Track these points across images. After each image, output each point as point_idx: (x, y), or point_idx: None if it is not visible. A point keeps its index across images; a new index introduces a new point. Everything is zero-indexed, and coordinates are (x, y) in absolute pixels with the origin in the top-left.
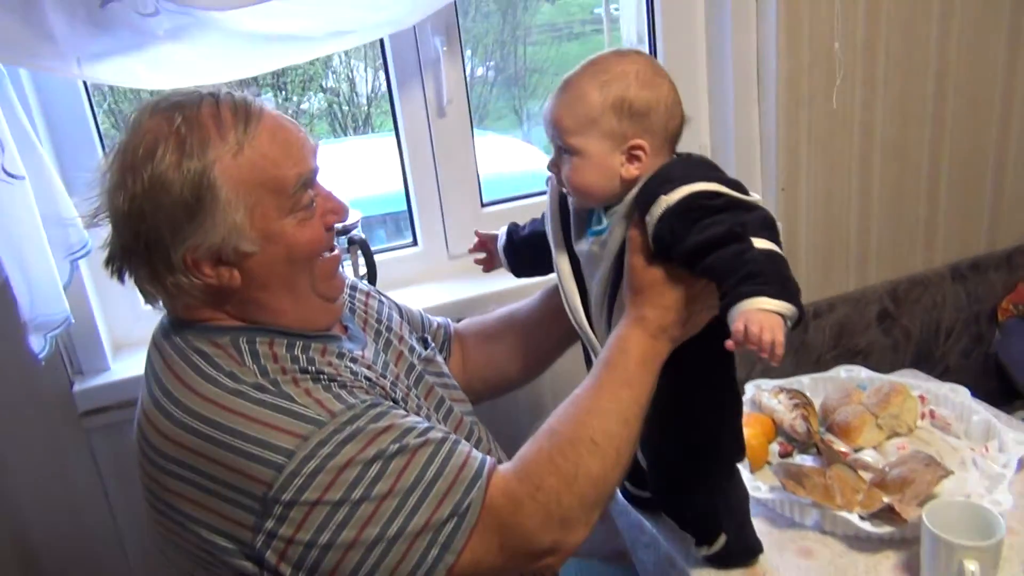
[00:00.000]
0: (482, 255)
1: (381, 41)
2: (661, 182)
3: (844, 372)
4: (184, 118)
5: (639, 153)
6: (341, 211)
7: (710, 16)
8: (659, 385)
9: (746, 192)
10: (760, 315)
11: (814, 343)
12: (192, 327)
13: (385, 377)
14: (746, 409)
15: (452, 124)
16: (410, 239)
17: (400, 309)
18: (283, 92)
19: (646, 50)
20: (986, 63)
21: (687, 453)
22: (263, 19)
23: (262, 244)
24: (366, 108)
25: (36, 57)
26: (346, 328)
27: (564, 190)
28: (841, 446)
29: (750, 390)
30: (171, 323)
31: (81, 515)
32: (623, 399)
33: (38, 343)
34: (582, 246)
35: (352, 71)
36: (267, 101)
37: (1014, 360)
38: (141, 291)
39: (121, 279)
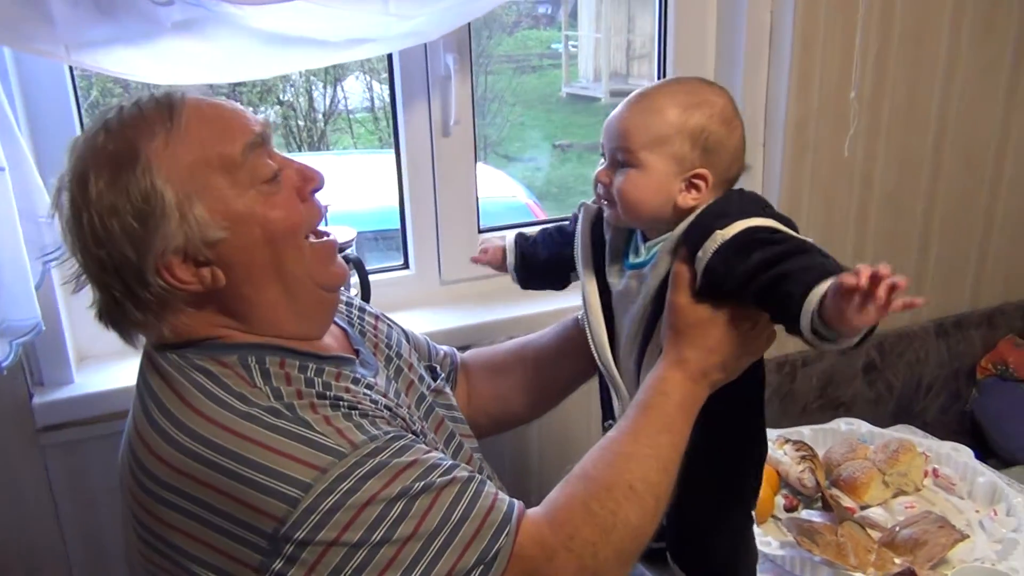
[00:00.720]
0: (485, 256)
1: (389, 54)
2: (715, 216)
3: (844, 424)
4: (107, 133)
5: (700, 183)
6: (316, 177)
7: (720, 56)
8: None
9: (797, 230)
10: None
11: (800, 391)
12: (192, 345)
13: (401, 407)
14: None
15: (456, 145)
16: (400, 261)
17: (407, 335)
18: (238, 102)
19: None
20: (982, 124)
21: (712, 502)
22: (281, 19)
23: (231, 228)
24: (322, 125)
25: (32, 40)
26: (357, 352)
27: (604, 205)
28: (847, 502)
29: None
30: (164, 345)
31: (28, 534)
32: (662, 445)
33: (2, 350)
34: (616, 279)
35: (311, 87)
36: (190, 89)
37: (990, 418)
38: (124, 334)
39: (121, 333)
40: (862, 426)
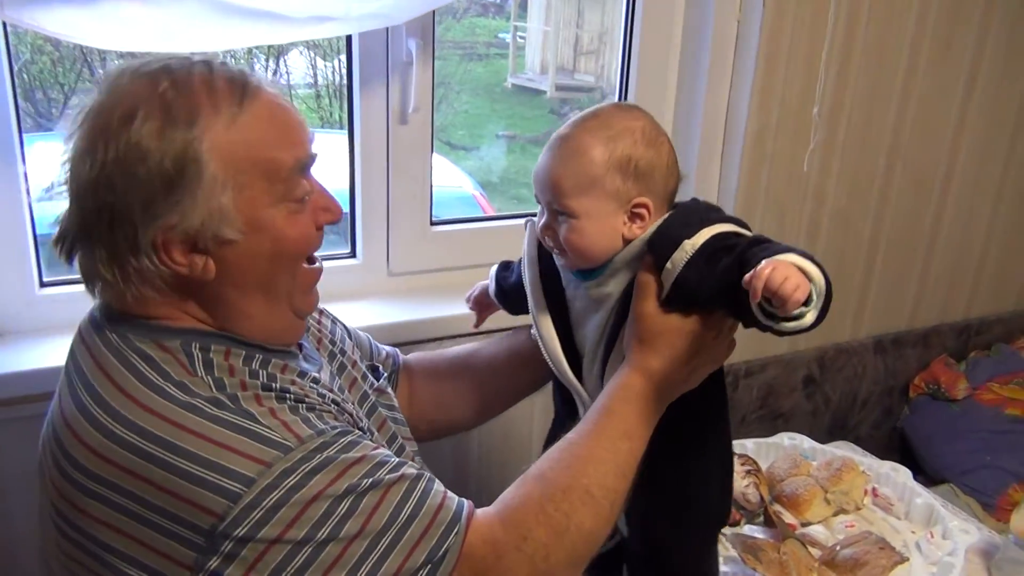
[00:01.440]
0: (482, 313)
1: (349, 35)
2: (681, 226)
3: (787, 439)
4: (172, 82)
5: (642, 212)
6: (336, 211)
7: (684, 62)
8: (651, 440)
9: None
10: (787, 265)
11: (742, 402)
12: (133, 323)
13: (347, 402)
14: None
15: (413, 134)
16: (347, 249)
17: (349, 332)
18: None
19: (609, 92)
20: (933, 146)
21: (676, 519)
22: None
23: (246, 233)
24: None
25: None
26: (300, 346)
27: (556, 255)
28: (789, 518)
29: None
30: (105, 315)
31: None
32: (621, 451)
33: None
34: (574, 291)
35: (252, 59)
36: (266, 78)
37: (919, 436)
38: (88, 275)
39: (70, 260)
40: (804, 441)
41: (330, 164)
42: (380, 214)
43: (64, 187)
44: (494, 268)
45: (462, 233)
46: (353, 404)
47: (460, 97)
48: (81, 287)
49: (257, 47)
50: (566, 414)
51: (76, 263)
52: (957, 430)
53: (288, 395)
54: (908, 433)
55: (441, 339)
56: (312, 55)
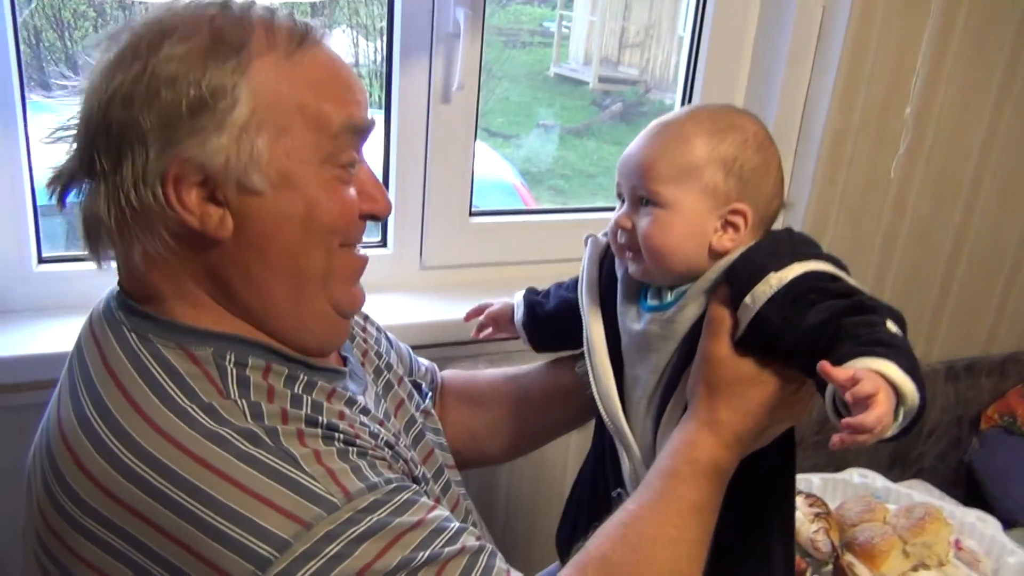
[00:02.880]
0: (488, 329)
1: (391, 2)
2: (768, 255)
3: (857, 476)
4: (224, 10)
5: (738, 221)
6: (383, 204)
7: (759, 52)
8: None
9: (850, 274)
10: (878, 378)
11: (798, 425)
12: (156, 320)
13: (400, 443)
14: None
15: (456, 114)
16: (378, 238)
17: (391, 341)
18: None
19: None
20: None
21: None
22: None
23: (276, 187)
24: None
25: None
26: (345, 360)
27: (628, 259)
28: (862, 571)
29: None
30: (122, 304)
31: None
32: (692, 526)
33: None
34: (632, 322)
35: None
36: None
37: (990, 472)
38: (87, 221)
39: (62, 200)
40: (877, 480)
41: (366, 146)
42: (415, 201)
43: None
44: (520, 294)
45: (503, 226)
46: (397, 432)
47: (501, 84)
48: (83, 265)
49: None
50: (607, 463)
51: (75, 208)
52: None
53: (337, 434)
54: (977, 468)
55: (475, 342)
56: (355, 33)
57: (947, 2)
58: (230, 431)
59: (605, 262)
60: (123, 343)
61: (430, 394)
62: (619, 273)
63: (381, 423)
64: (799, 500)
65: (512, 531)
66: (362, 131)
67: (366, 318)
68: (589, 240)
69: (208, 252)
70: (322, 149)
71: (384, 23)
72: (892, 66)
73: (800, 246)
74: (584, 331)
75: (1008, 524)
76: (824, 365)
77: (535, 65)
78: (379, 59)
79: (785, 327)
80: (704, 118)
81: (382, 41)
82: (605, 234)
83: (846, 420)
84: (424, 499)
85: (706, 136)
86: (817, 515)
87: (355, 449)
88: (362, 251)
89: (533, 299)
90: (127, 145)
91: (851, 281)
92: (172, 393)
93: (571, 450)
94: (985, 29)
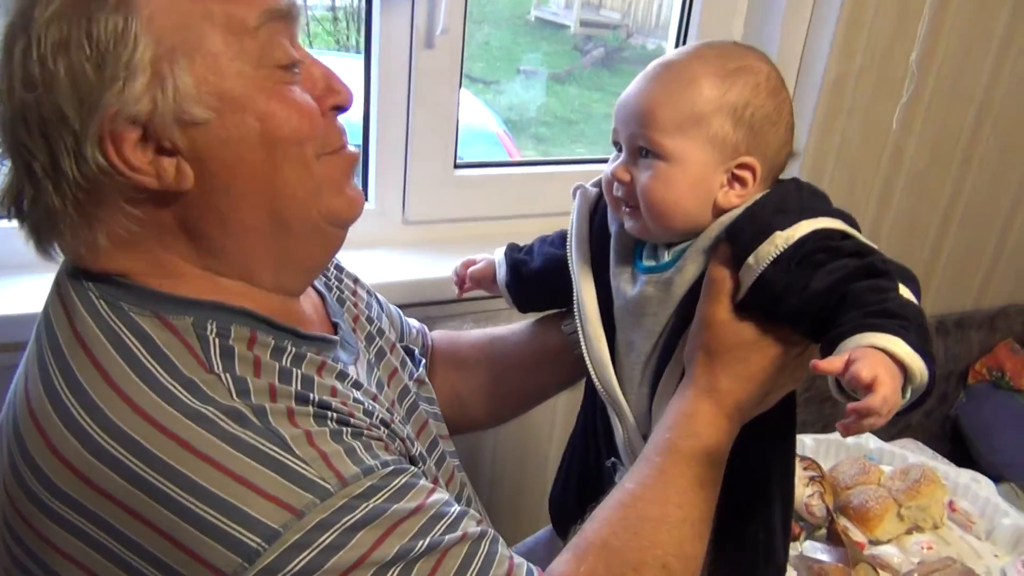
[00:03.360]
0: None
1: None
2: (773, 211)
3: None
4: None
5: (746, 176)
6: (343, 92)
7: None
8: None
9: (860, 230)
10: (880, 357)
11: None
12: (129, 288)
13: (395, 417)
14: None
15: (440, 60)
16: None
17: (382, 304)
18: None
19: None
20: None
21: (737, 556)
22: None
23: (218, 110)
24: None
25: None
26: (336, 327)
27: (625, 214)
28: (856, 535)
29: None
30: (88, 272)
31: None
32: (697, 504)
33: None
34: (626, 284)
35: None
36: None
37: (976, 426)
38: (39, 233)
39: (21, 217)
40: (870, 440)
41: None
42: (397, 152)
43: None
44: (501, 251)
45: (489, 179)
46: (390, 405)
47: (481, 28)
48: None
49: None
50: (598, 429)
51: (13, 215)
52: (1022, 423)
53: (330, 413)
54: (963, 422)
55: (459, 300)
56: None
57: None
58: (214, 410)
59: (596, 216)
60: (92, 310)
61: (423, 360)
62: (612, 229)
63: (375, 397)
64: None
65: (499, 492)
66: (283, 14)
67: (356, 280)
68: (578, 192)
69: (176, 210)
70: (249, 53)
71: None
72: (896, 9)
73: (809, 200)
74: (575, 294)
75: (995, 479)
76: (815, 364)
77: (516, 8)
78: (355, 1)
79: (790, 290)
80: (712, 58)
81: None
82: (596, 184)
83: (851, 406)
84: (423, 482)
85: (714, 79)
86: (812, 479)
87: (349, 429)
88: (351, 148)
89: (516, 257)
90: (50, 128)
91: (863, 239)
92: (149, 366)
93: (559, 410)
94: None
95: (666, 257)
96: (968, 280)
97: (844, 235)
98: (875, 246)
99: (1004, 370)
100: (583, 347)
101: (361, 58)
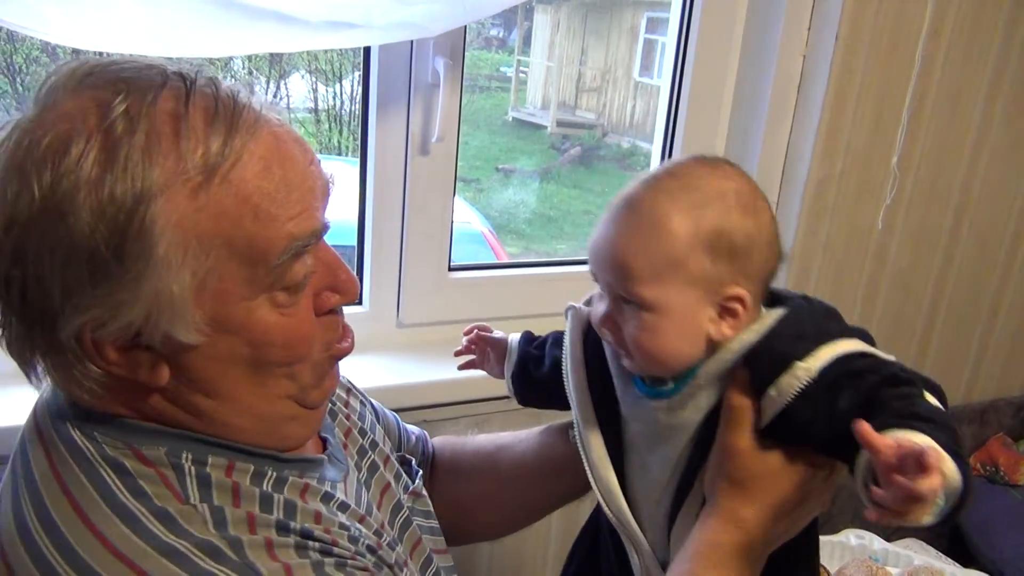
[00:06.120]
0: (470, 356)
1: (367, 49)
2: (791, 340)
3: (854, 538)
4: (127, 108)
5: (736, 307)
6: (350, 291)
7: (739, 105)
8: None
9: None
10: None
11: None
12: (104, 420)
13: (383, 541)
14: None
15: (435, 166)
16: None
17: (377, 413)
18: (276, 111)
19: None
20: (1003, 205)
21: None
22: None
23: (212, 334)
24: None
25: None
26: (325, 442)
27: (621, 354)
28: None
29: None
30: (69, 404)
31: None
32: None
33: None
34: (632, 407)
35: (253, 79)
36: (268, 103)
37: (974, 524)
38: (18, 361)
39: (11, 354)
40: (874, 541)
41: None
42: (392, 256)
43: None
44: (516, 337)
45: (483, 281)
46: (380, 526)
47: (461, 128)
48: None
49: (257, 68)
50: (608, 556)
51: None
52: (1019, 519)
53: (311, 543)
54: (961, 519)
55: (455, 404)
56: (313, 79)
57: (928, 50)
58: (187, 544)
59: (590, 335)
60: (68, 441)
61: (420, 472)
62: (608, 350)
63: (362, 519)
64: None
65: None
66: (311, 243)
67: (349, 389)
68: (569, 313)
69: (150, 390)
70: (261, 280)
71: (345, 67)
72: (874, 115)
73: (824, 323)
74: (576, 427)
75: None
76: (864, 428)
77: (493, 110)
78: (338, 104)
79: (816, 418)
80: (676, 191)
81: (340, 87)
82: (588, 303)
83: (899, 481)
84: None
85: (682, 215)
86: None
87: (333, 560)
88: (348, 339)
89: (529, 352)
90: (31, 305)
91: (882, 355)
92: (122, 499)
93: (554, 519)
94: (963, 78)
95: (670, 384)
96: (956, 375)
97: (863, 354)
98: (894, 359)
99: (998, 465)
100: (588, 475)
101: (344, 160)
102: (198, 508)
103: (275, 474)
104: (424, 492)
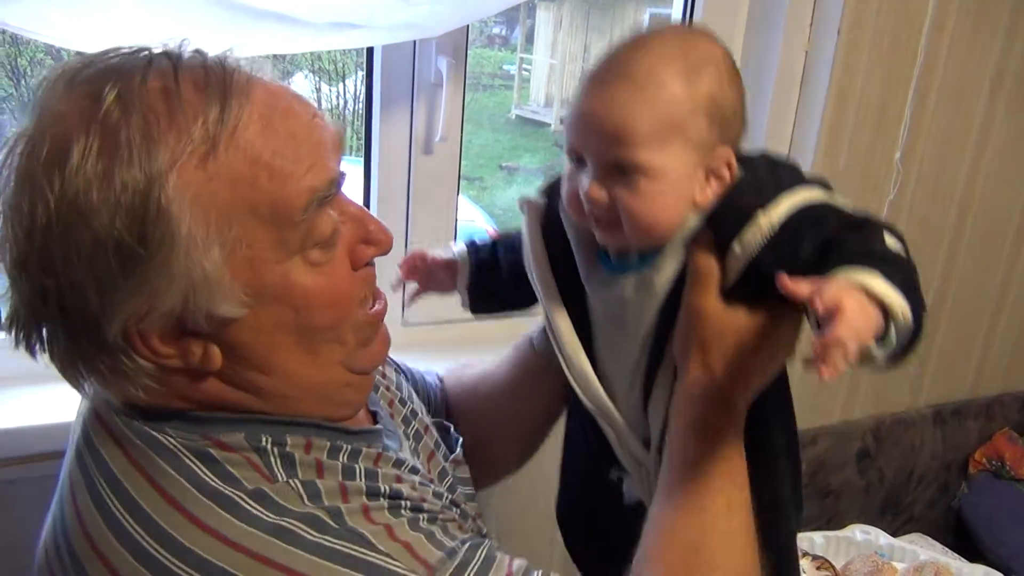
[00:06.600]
0: (414, 285)
1: (370, 49)
2: (752, 192)
3: (860, 533)
4: (119, 95)
5: (723, 171)
6: (383, 241)
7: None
8: None
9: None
10: (851, 289)
11: None
12: (171, 416)
13: (458, 497)
14: None
15: (439, 166)
16: None
17: (407, 375)
18: (269, 68)
19: None
20: (1006, 199)
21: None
22: None
23: (254, 304)
24: None
25: None
26: (375, 416)
27: (594, 227)
28: None
29: None
30: (127, 404)
31: None
32: (736, 507)
33: None
34: (602, 291)
35: None
36: (258, 64)
37: (980, 517)
38: (65, 375)
39: (33, 352)
40: (879, 536)
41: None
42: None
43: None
44: (462, 249)
45: None
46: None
47: (465, 127)
48: None
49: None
50: (594, 440)
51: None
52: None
53: (403, 502)
54: (966, 513)
55: None
56: (317, 79)
57: (931, 44)
58: (291, 520)
59: (548, 226)
60: (146, 437)
61: (460, 440)
62: (571, 236)
63: (432, 480)
64: (806, 563)
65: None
66: (331, 192)
67: (385, 361)
68: (526, 206)
69: (206, 375)
70: (291, 241)
71: (348, 67)
72: (877, 110)
73: (783, 174)
74: (545, 317)
75: (1005, 573)
76: (782, 279)
77: (496, 108)
78: (342, 104)
79: (782, 268)
80: (670, 56)
81: (343, 87)
82: (544, 194)
83: (815, 339)
84: (501, 553)
85: (682, 78)
86: None
87: (425, 515)
88: (381, 300)
89: (481, 261)
90: (73, 316)
91: (842, 202)
92: (214, 484)
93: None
94: (965, 72)
95: (636, 257)
96: (962, 370)
97: (825, 203)
98: (856, 209)
99: (1004, 459)
100: (564, 367)
101: (347, 160)
102: (291, 484)
103: (349, 447)
104: (463, 460)
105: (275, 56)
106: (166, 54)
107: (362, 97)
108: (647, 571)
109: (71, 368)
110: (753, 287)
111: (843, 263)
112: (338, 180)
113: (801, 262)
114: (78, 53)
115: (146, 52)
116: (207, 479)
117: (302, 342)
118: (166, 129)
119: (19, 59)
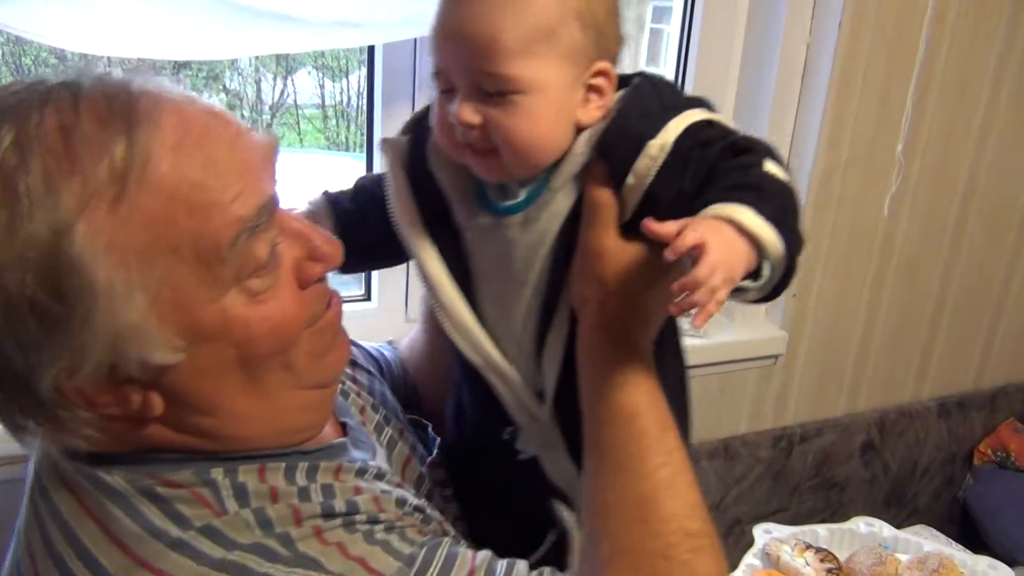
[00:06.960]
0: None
1: (371, 46)
2: (639, 118)
3: (863, 525)
4: (15, 139)
5: (603, 84)
6: (330, 255)
7: (743, 96)
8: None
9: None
10: (716, 226)
11: (794, 469)
12: (118, 460)
13: (424, 503)
14: (759, 565)
15: None
16: (361, 291)
17: (382, 367)
18: (181, 86)
19: None
20: (1010, 189)
21: None
22: None
23: (190, 347)
24: (269, 118)
25: None
26: (344, 426)
27: (469, 157)
28: None
29: (761, 539)
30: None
31: None
32: (672, 451)
33: None
34: (480, 233)
35: (260, 77)
36: (169, 82)
37: (986, 509)
38: (7, 428)
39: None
40: (884, 528)
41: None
42: None
43: None
44: (320, 201)
45: None
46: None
47: None
48: None
49: (264, 65)
50: (492, 418)
51: None
52: None
53: (358, 516)
54: (972, 505)
55: None
56: (320, 75)
57: (933, 35)
58: (241, 552)
59: (412, 166)
60: (92, 479)
61: (437, 440)
62: (442, 176)
63: (399, 485)
64: (810, 556)
65: None
66: (262, 220)
67: (353, 363)
68: (384, 146)
69: (148, 421)
70: (221, 276)
71: (352, 63)
72: (879, 102)
73: (666, 97)
74: (417, 265)
75: (1009, 563)
76: (646, 223)
77: None
78: (346, 100)
79: (678, 197)
80: None
81: (347, 83)
82: (405, 131)
83: (676, 282)
84: (462, 548)
85: None
86: (829, 571)
87: (381, 525)
88: (335, 301)
89: (342, 212)
90: (3, 376)
91: (726, 121)
92: (162, 525)
93: None
94: (968, 64)
95: (521, 195)
96: (966, 361)
97: (709, 122)
98: (736, 127)
99: (1008, 450)
100: (443, 321)
101: (352, 156)
102: (238, 514)
103: (305, 464)
104: (439, 465)
105: (279, 53)
106: (65, 84)
107: (365, 93)
108: (598, 545)
109: (10, 421)
110: (647, 216)
111: (718, 197)
112: (271, 204)
113: (690, 191)
114: (82, 55)
115: (45, 83)
116: (154, 520)
117: (248, 377)
118: (68, 173)
119: (23, 58)
